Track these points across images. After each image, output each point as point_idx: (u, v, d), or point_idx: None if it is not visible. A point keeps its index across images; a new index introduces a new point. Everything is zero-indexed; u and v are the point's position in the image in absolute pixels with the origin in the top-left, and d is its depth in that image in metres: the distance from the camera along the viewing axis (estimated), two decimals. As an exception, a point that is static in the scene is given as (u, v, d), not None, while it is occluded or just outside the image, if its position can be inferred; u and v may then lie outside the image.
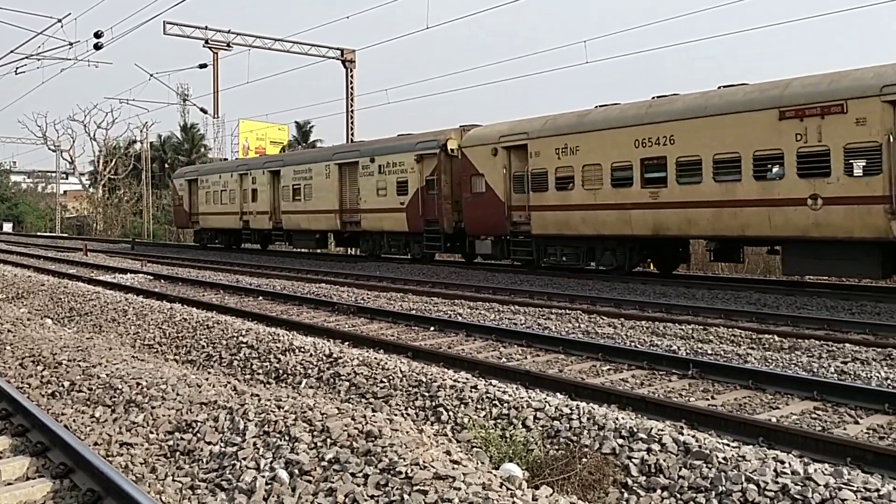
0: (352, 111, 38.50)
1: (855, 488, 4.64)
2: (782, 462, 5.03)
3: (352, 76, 38.65)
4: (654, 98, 18.64)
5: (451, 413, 6.66)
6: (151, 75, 38.70)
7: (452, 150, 23.38)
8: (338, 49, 38.41)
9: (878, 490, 4.60)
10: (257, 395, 6.31)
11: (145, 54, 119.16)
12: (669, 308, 13.81)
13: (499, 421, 6.33)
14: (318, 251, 32.59)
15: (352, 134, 38.22)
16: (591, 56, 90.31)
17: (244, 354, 9.73)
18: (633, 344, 10.66)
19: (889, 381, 8.14)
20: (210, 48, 34.32)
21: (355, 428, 5.13)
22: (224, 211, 35.47)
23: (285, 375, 8.72)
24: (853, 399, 7.36)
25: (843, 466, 5.24)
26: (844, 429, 6.70)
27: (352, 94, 38.48)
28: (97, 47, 28.16)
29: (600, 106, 20.05)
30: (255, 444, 5.37)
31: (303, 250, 33.07)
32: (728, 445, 5.44)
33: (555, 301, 15.27)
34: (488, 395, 6.85)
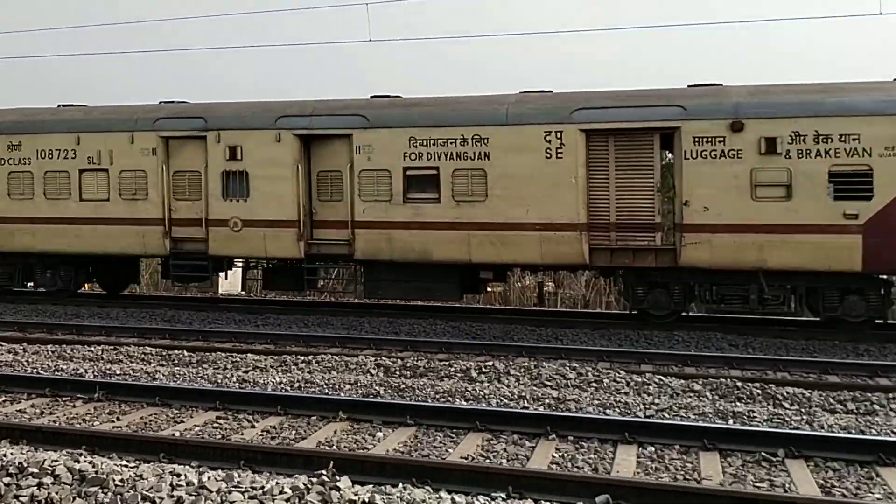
0: None
1: (244, 489, 5.05)
2: (179, 475, 5.19)
3: None
4: None
5: None
6: None
7: None
8: None
9: (262, 487, 5.08)
10: None
11: None
12: (81, 329, 13.10)
13: None
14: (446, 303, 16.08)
15: None
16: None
17: None
18: (35, 370, 9.83)
19: (282, 385, 9.10)
20: None
21: None
22: (106, 216, 15.51)
23: None
24: (251, 405, 8.01)
25: (235, 470, 5.66)
26: (242, 434, 7.25)
27: None
28: None
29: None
30: None
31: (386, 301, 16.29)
32: (127, 466, 5.39)
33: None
34: None
